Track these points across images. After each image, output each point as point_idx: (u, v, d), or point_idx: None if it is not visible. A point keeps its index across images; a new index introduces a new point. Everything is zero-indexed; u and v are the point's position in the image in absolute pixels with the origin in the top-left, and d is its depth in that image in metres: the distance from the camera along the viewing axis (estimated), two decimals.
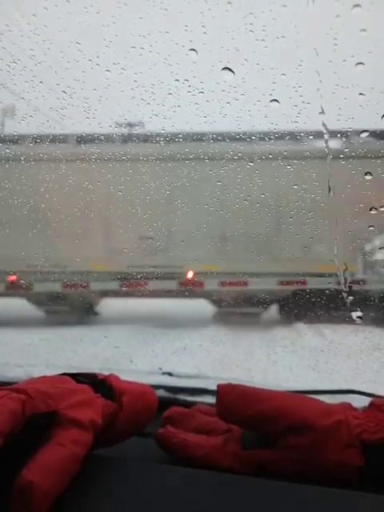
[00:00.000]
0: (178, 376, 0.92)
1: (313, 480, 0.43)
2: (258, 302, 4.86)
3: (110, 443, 0.50)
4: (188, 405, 0.61)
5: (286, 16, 1.19)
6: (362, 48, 1.11)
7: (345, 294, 1.19)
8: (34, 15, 1.54)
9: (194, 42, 1.16)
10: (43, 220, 4.37)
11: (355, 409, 0.50)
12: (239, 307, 4.97)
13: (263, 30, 1.18)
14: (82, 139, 4.74)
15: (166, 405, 0.59)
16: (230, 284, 5.05)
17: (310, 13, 0.96)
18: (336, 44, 1.16)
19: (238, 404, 0.49)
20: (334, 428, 0.46)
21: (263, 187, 3.44)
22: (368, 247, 4.84)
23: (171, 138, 3.50)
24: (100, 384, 0.50)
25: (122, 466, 0.44)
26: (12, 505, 0.34)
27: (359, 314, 1.42)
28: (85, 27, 1.47)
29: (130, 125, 4.69)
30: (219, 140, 4.11)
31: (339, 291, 1.20)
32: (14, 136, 4.20)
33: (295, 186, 3.34)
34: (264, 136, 2.95)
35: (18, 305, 5.24)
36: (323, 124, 1.07)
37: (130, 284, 5.13)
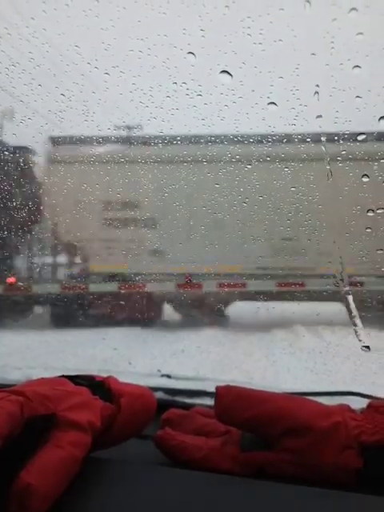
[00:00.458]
0: (177, 378, 0.92)
1: (311, 482, 0.43)
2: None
3: (108, 445, 0.49)
4: (187, 407, 0.61)
5: (284, 19, 1.19)
6: (358, 51, 1.11)
7: (343, 296, 1.20)
8: (32, 18, 1.55)
9: (192, 45, 1.17)
10: None
11: (353, 410, 0.50)
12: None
13: (261, 34, 1.18)
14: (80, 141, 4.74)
15: (164, 407, 0.59)
16: (229, 286, 5.06)
17: (307, 16, 0.96)
18: (333, 47, 1.17)
19: (236, 406, 0.49)
20: (333, 430, 0.46)
21: (261, 189, 3.44)
22: (366, 249, 4.84)
23: (169, 141, 3.51)
24: (98, 386, 0.50)
25: (121, 469, 0.44)
26: (10, 507, 0.34)
27: (357, 315, 1.42)
28: (84, 31, 1.47)
29: (129, 127, 4.69)
30: (217, 142, 4.11)
31: (337, 292, 1.20)
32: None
33: (293, 188, 3.35)
34: (262, 138, 2.96)
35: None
36: (320, 127, 1.08)
37: (129, 286, 5.14)
